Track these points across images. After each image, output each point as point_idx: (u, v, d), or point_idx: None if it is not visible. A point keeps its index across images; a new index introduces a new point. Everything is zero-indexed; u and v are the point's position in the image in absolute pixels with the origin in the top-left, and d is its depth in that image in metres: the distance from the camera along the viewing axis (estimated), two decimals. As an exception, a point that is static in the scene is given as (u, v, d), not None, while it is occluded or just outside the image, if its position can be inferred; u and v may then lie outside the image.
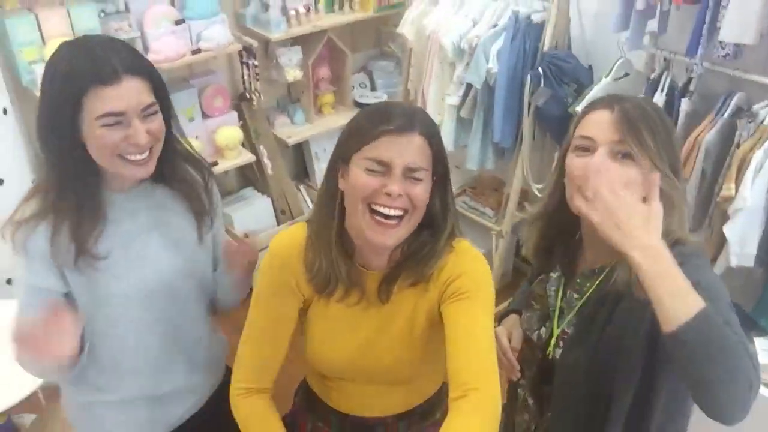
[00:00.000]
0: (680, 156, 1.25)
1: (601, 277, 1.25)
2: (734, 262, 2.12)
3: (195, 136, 2.95)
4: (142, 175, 1.26)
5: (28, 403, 1.88)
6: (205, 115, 3.00)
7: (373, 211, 1.12)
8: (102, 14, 2.56)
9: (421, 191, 1.13)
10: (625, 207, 1.01)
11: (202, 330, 1.51)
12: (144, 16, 2.66)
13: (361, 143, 1.12)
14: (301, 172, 3.60)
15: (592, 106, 1.21)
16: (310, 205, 3.51)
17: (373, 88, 3.62)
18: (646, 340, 1.11)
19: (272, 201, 3.30)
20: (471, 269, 1.20)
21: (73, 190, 1.23)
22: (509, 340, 1.41)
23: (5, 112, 2.35)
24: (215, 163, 2.98)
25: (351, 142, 1.15)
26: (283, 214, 3.33)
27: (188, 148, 1.41)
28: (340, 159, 1.17)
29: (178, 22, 2.70)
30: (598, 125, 1.16)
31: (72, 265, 1.26)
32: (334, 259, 1.20)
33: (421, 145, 1.12)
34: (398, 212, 1.12)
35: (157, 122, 1.24)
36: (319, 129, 3.33)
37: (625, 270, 1.12)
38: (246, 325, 1.31)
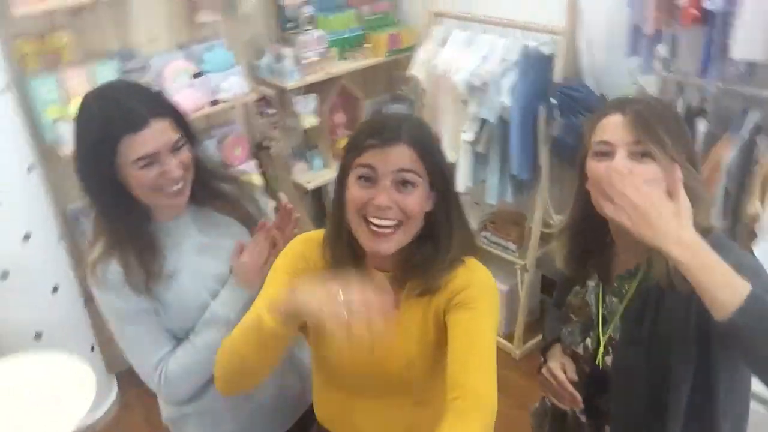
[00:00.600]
0: (694, 148, 1.26)
1: (639, 276, 1.25)
2: (766, 280, 2.08)
3: (215, 185, 3.00)
4: (181, 203, 1.38)
5: None
6: (225, 166, 3.04)
7: (369, 222, 1.15)
8: (123, 72, 2.64)
9: (413, 200, 1.14)
10: (653, 205, 1.02)
11: None
12: (163, 71, 2.74)
13: (353, 156, 1.16)
14: (321, 215, 3.62)
15: (603, 112, 1.22)
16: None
17: (389, 131, 3.66)
18: (697, 332, 1.12)
19: (294, 246, 3.31)
20: (477, 281, 1.22)
21: (124, 226, 1.35)
22: (564, 372, 1.38)
23: (30, 169, 2.41)
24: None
25: (347, 155, 1.19)
26: (305, 260, 3.34)
27: (216, 166, 1.53)
28: (342, 173, 1.21)
29: (196, 76, 2.78)
30: (614, 129, 1.17)
31: (144, 290, 1.36)
32: (346, 264, 1.24)
33: (408, 153, 1.14)
34: (391, 223, 1.14)
35: (186, 153, 1.35)
36: (336, 173, 3.35)
37: (661, 263, 1.13)
38: (255, 298, 1.29)
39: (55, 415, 1.92)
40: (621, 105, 1.20)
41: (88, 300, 2.91)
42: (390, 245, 1.16)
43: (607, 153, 1.17)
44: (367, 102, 3.48)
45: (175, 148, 1.32)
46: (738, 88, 2.11)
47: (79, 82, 2.54)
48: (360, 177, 1.14)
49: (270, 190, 3.19)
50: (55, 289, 2.52)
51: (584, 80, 2.65)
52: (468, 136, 2.80)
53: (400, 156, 1.13)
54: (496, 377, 1.12)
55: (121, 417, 2.91)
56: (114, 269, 1.34)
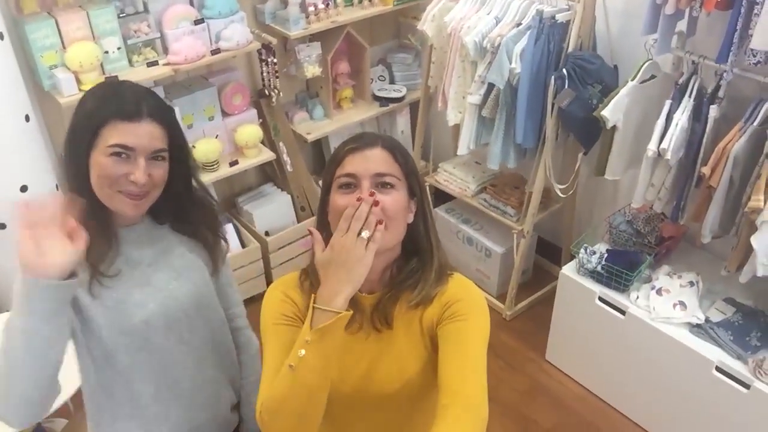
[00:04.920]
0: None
1: None
2: (761, 272, 2.10)
3: (215, 135, 2.95)
4: (133, 214, 1.30)
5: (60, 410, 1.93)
6: (224, 114, 2.98)
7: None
8: (121, 15, 2.54)
9: (392, 199, 1.17)
10: None
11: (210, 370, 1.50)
12: (163, 17, 2.64)
13: (333, 168, 1.20)
14: (321, 167, 3.59)
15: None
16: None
17: (392, 81, 3.58)
18: None
19: (292, 198, 3.29)
20: (469, 297, 1.24)
21: (93, 216, 1.26)
22: None
23: (27, 118, 2.35)
24: (235, 162, 2.98)
25: (327, 171, 1.22)
26: (303, 211, 3.33)
27: (208, 197, 1.47)
28: (325, 194, 1.24)
29: (197, 22, 2.68)
30: None
31: (87, 288, 1.27)
32: None
33: (385, 155, 1.19)
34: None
35: (162, 170, 1.28)
36: (338, 124, 3.31)
37: None
38: (263, 365, 1.28)
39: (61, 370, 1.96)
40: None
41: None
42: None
43: None
44: (372, 49, 3.38)
45: (153, 157, 1.26)
46: (754, 76, 2.07)
47: (77, 27, 2.45)
48: (341, 186, 1.18)
49: (270, 140, 3.15)
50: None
51: (598, 50, 2.58)
52: (474, 98, 2.75)
53: (378, 158, 1.18)
54: (487, 384, 1.14)
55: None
56: None
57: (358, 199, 1.12)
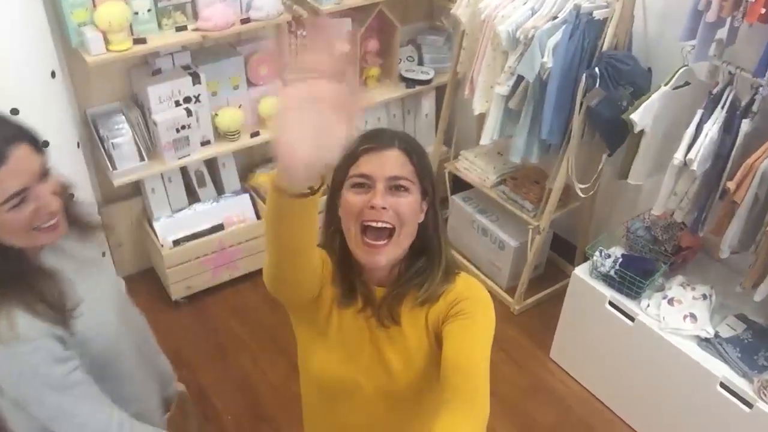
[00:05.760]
0: None
1: None
2: (779, 291, 2.07)
3: (239, 105, 2.94)
4: (58, 238, 1.20)
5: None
6: (250, 83, 2.97)
7: (365, 231, 1.15)
8: (153, -21, 2.52)
9: (407, 204, 1.16)
10: None
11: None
12: (195, -19, 2.62)
13: (347, 166, 1.17)
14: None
15: None
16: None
17: (421, 63, 3.53)
18: None
19: (310, 172, 3.28)
20: (474, 295, 1.24)
21: (5, 269, 1.16)
22: None
23: (53, 74, 2.35)
24: (257, 133, 2.97)
25: (340, 168, 1.19)
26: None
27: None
28: (336, 189, 1.21)
29: (229, -11, 2.66)
30: None
31: (63, 331, 1.20)
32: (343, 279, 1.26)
33: (401, 158, 1.17)
34: (386, 225, 1.14)
35: (56, 179, 1.19)
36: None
37: None
38: None
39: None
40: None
41: (102, 206, 2.94)
42: (381, 258, 1.17)
43: None
44: (403, 29, 3.33)
45: (42, 176, 1.13)
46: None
47: (108, -15, 2.44)
48: (354, 185, 1.16)
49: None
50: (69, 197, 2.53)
51: (633, 50, 2.52)
52: (502, 89, 2.70)
53: (395, 161, 1.16)
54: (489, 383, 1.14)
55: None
56: (23, 321, 1.14)
57: (372, 207, 1.12)
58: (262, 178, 3.22)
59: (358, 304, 1.26)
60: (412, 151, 1.18)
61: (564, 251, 3.32)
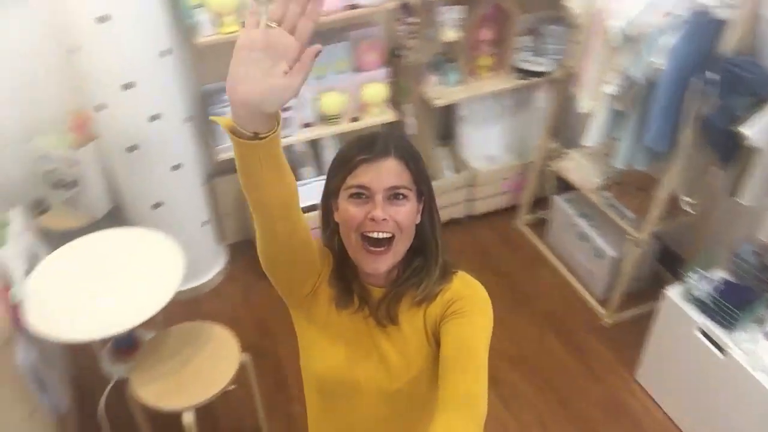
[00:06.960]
0: None
1: None
2: None
3: (342, 89, 2.99)
4: None
5: (149, 322, 2.14)
6: (355, 69, 3.01)
7: (365, 239, 1.16)
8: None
9: (405, 213, 1.17)
10: None
11: None
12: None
13: (344, 175, 1.17)
14: (445, 134, 3.53)
15: None
16: (449, 169, 3.46)
17: (539, 54, 3.38)
18: None
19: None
20: (472, 294, 1.24)
21: None
22: None
23: (168, 51, 2.54)
24: (356, 119, 3.02)
25: (336, 175, 1.20)
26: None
27: None
28: (331, 194, 1.22)
29: (341, -25, 2.70)
30: None
31: None
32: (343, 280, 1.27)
33: (398, 167, 1.16)
34: (386, 235, 1.16)
35: None
36: (471, 92, 3.21)
37: None
38: None
39: (152, 286, 2.18)
40: None
41: (208, 179, 3.14)
42: (381, 265, 1.18)
43: None
44: (523, 17, 3.21)
45: None
46: None
47: (225, -29, 2.57)
48: (353, 195, 1.17)
49: (394, 101, 3.14)
50: (175, 167, 2.73)
51: (757, 59, 2.25)
52: (610, 89, 2.53)
53: (392, 170, 1.16)
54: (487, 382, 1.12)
55: (222, 287, 3.22)
56: None
57: (372, 219, 1.14)
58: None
59: (355, 305, 1.27)
60: (409, 157, 1.18)
61: (672, 266, 3.07)
